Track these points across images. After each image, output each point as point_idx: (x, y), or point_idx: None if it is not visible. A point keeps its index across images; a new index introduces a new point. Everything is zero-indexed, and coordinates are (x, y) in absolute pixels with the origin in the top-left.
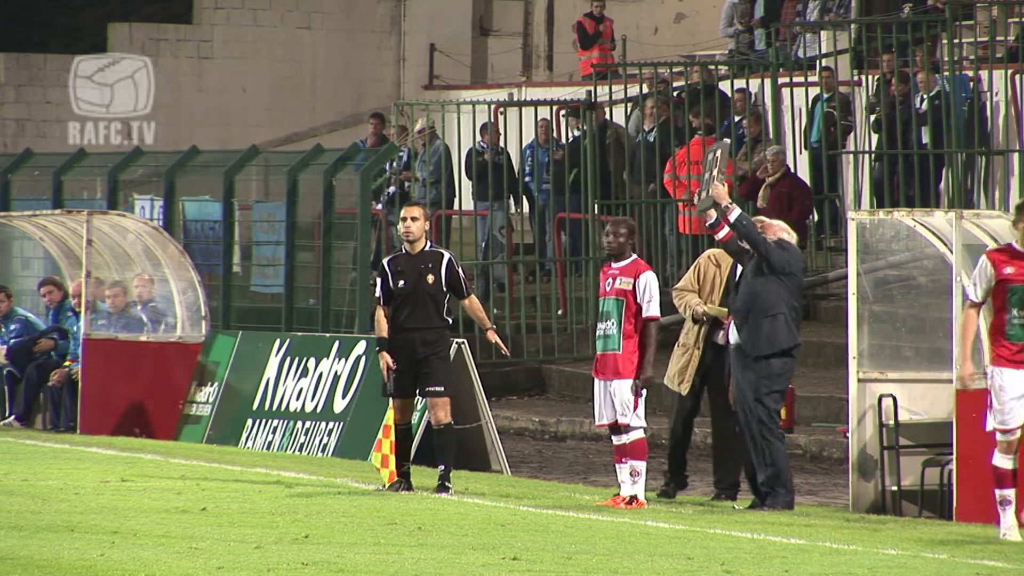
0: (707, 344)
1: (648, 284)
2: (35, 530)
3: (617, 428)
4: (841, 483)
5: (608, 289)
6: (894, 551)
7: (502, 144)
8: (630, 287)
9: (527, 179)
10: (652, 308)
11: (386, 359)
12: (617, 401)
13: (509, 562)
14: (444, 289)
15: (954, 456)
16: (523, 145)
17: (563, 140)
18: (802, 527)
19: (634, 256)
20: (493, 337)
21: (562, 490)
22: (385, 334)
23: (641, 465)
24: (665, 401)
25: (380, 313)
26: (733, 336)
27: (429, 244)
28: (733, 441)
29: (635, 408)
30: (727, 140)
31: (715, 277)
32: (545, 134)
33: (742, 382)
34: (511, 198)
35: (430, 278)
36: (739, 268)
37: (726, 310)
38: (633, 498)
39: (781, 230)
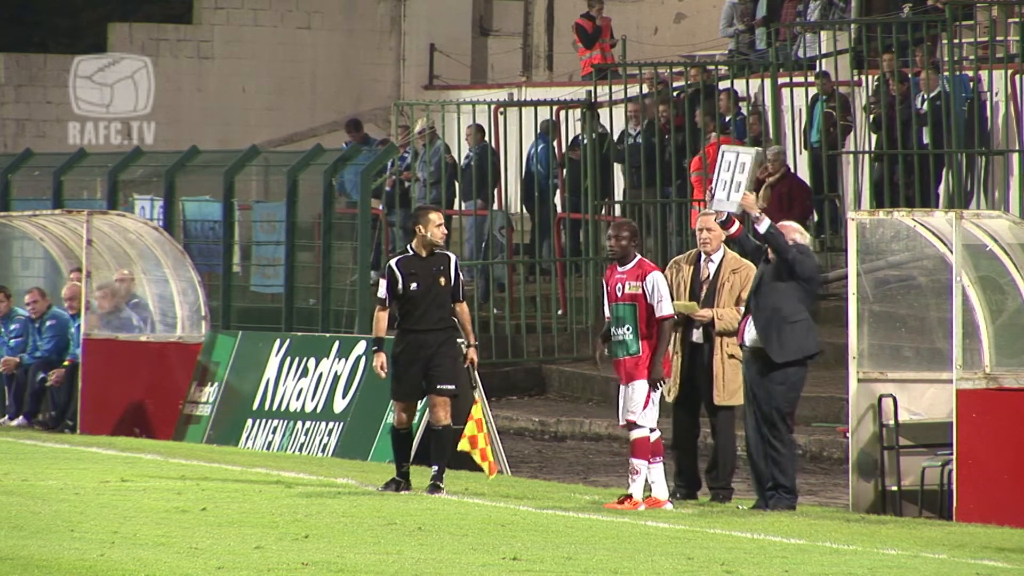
0: (685, 346)
1: (656, 284)
2: (35, 530)
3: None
4: (841, 483)
5: (620, 294)
6: (894, 551)
7: (491, 144)
8: (639, 291)
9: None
10: (664, 307)
11: (380, 359)
12: (628, 401)
13: (509, 562)
14: (452, 291)
15: (954, 456)
16: (534, 144)
17: (565, 140)
18: (802, 527)
19: (638, 258)
20: (472, 356)
21: (562, 490)
22: (383, 335)
23: (640, 464)
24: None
25: (381, 314)
26: (749, 337)
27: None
28: (722, 441)
29: (644, 407)
30: (759, 148)
31: (679, 282)
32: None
33: (756, 387)
34: (498, 198)
35: (442, 280)
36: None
37: (695, 304)
38: (629, 496)
39: (795, 231)
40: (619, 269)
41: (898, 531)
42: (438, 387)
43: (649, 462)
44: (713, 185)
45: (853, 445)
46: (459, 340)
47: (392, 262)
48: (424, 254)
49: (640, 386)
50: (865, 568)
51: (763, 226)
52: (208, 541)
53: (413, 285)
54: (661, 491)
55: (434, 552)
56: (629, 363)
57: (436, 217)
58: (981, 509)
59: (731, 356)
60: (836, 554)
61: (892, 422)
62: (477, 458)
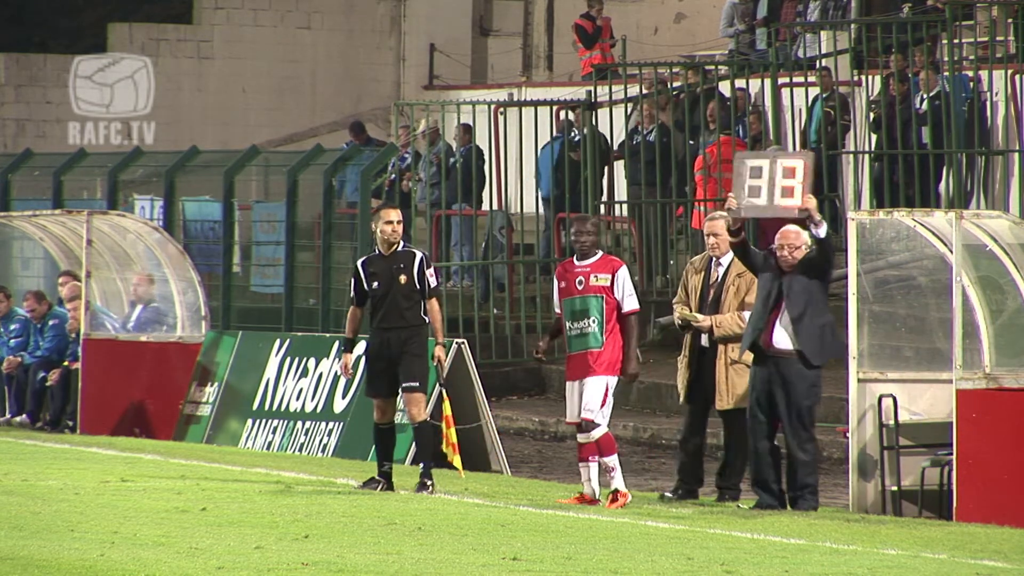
0: (694, 351)
1: (625, 279)
2: (35, 530)
3: (582, 426)
4: (841, 483)
5: (580, 287)
6: (894, 551)
7: (491, 144)
8: (608, 283)
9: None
10: (631, 302)
11: (345, 360)
12: (586, 397)
13: (509, 562)
14: (418, 288)
15: (954, 456)
16: (537, 144)
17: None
18: (802, 527)
19: (601, 252)
20: (440, 354)
21: (562, 490)
22: (351, 335)
23: (613, 460)
24: (667, 401)
25: (352, 313)
26: (784, 342)
27: (403, 244)
28: (734, 443)
29: (602, 405)
30: (810, 152)
31: (694, 284)
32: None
33: (788, 390)
34: (498, 197)
35: (403, 279)
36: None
37: (696, 314)
38: (615, 492)
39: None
40: (579, 263)
41: (898, 531)
42: (402, 384)
43: (589, 460)
44: (740, 190)
45: (853, 445)
46: (458, 340)
47: (359, 262)
48: (386, 252)
49: (597, 382)
50: (865, 568)
51: (822, 231)
52: (208, 541)
53: (375, 284)
54: (592, 489)
55: (434, 552)
56: (591, 357)
57: (385, 214)
58: (981, 509)
59: (734, 362)
60: (836, 554)
61: (892, 422)
62: (450, 453)
